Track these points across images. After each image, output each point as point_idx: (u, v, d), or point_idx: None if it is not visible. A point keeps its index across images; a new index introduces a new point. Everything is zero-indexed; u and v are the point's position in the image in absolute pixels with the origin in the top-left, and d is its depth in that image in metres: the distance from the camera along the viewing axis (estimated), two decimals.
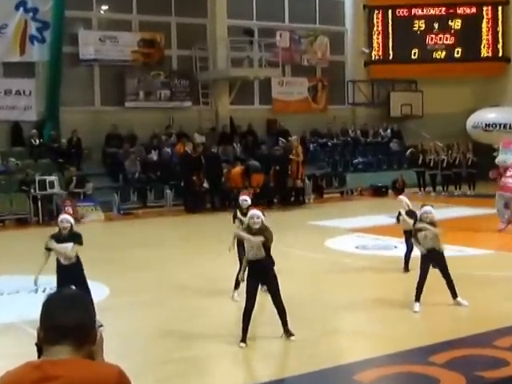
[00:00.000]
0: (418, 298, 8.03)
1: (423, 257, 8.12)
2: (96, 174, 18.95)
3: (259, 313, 7.26)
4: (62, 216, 7.72)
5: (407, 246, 10.03)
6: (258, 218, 6.91)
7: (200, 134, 21.10)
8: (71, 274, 7.27)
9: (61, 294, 2.23)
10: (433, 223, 8.06)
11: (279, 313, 6.98)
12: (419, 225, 8.13)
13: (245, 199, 9.02)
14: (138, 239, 14.26)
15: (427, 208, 8.16)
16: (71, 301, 2.10)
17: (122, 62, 20.84)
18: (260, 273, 6.94)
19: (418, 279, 8.01)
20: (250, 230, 6.95)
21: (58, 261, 7.43)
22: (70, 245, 7.35)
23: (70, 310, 2.05)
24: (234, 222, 9.01)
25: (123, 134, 20.25)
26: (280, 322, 6.99)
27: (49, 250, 7.45)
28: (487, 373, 5.98)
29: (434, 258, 8.03)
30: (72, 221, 7.61)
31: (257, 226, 6.87)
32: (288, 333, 6.97)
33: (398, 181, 21.55)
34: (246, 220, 7.49)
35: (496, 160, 19.53)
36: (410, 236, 9.52)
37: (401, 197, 10.56)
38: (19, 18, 19.23)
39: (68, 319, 2.02)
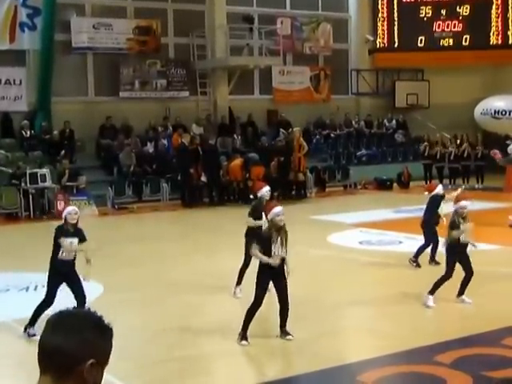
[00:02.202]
0: (433, 292, 7.94)
1: (453, 251, 8.04)
2: (89, 167, 18.75)
3: (261, 311, 7.11)
4: (71, 208, 7.55)
5: (432, 240, 9.94)
6: (283, 214, 6.84)
7: (198, 125, 20.95)
8: (70, 270, 7.12)
9: (61, 313, 1.94)
10: (467, 218, 8.14)
11: (282, 311, 6.91)
12: (464, 226, 8.01)
13: (268, 189, 8.70)
14: (134, 234, 14.14)
15: (465, 203, 8.15)
16: (62, 321, 1.86)
17: (117, 50, 20.67)
18: (277, 271, 6.80)
19: (444, 273, 7.96)
20: (275, 227, 6.78)
21: (56, 256, 7.15)
22: (75, 240, 7.16)
23: (54, 331, 1.83)
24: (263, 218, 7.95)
25: (118, 125, 20.07)
26: (279, 322, 6.93)
27: (57, 242, 7.19)
28: (495, 373, 5.86)
29: (462, 253, 8.04)
30: (79, 212, 7.48)
31: (282, 223, 6.81)
32: (285, 333, 6.91)
33: (403, 174, 21.52)
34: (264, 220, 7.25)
35: (508, 148, 19.07)
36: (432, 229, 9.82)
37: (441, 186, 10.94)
38: (8, 4, 19.09)
39: (49, 342, 1.81)
